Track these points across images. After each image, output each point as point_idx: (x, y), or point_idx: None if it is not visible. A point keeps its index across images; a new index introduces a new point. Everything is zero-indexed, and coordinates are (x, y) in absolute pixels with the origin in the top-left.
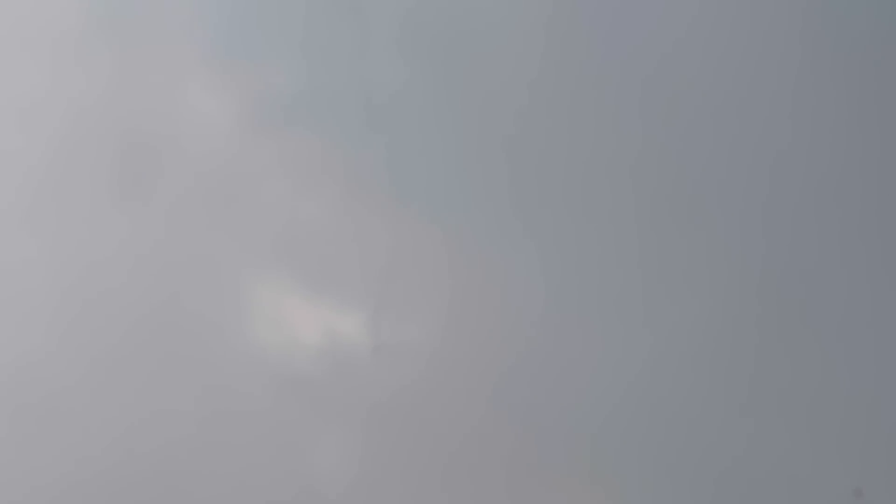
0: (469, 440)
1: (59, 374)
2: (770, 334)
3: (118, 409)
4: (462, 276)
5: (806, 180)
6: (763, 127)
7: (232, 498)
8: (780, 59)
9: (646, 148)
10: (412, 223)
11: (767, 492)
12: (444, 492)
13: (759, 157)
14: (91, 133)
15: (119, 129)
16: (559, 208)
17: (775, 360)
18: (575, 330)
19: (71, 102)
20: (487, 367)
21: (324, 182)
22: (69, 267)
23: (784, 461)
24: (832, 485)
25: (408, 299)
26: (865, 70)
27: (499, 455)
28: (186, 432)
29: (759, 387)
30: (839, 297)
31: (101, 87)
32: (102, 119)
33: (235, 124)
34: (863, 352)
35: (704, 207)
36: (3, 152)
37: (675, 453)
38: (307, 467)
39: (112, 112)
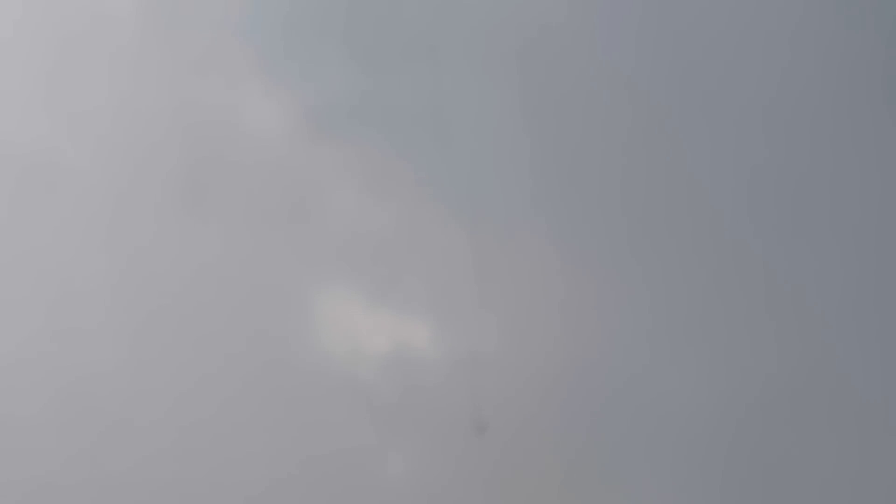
0: (536, 451)
1: (124, 385)
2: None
3: (181, 417)
4: (531, 286)
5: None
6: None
7: None
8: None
9: (731, 159)
10: (479, 232)
11: None
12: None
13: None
14: (149, 144)
15: (177, 138)
16: (632, 223)
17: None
18: (648, 341)
19: (126, 114)
20: (556, 377)
21: (389, 190)
22: (131, 278)
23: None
24: None
25: (474, 309)
26: None
27: (564, 465)
28: (251, 442)
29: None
30: None
31: (157, 97)
32: (160, 130)
33: (297, 132)
34: None
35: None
36: (60, 165)
37: (740, 471)
38: (373, 477)
39: (170, 122)
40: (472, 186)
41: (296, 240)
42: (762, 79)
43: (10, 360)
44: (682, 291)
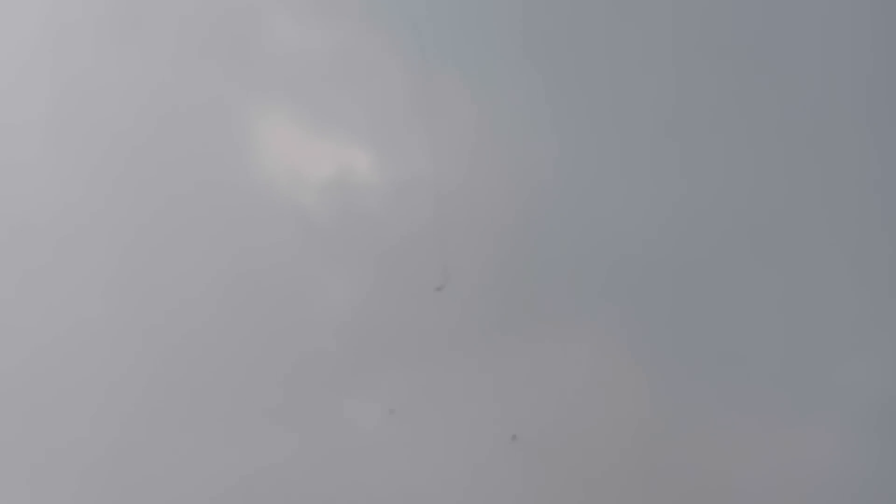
0: (477, 282)
1: (70, 200)
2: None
3: (121, 238)
4: (475, 115)
5: None
6: None
7: (234, 332)
8: None
9: None
10: (424, 58)
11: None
12: (452, 334)
13: None
14: None
15: None
16: (578, 54)
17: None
18: (588, 172)
19: None
20: (499, 208)
21: (333, 14)
22: (70, 107)
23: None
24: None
25: (418, 136)
26: None
27: (510, 299)
28: (193, 271)
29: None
30: None
31: None
32: None
33: None
34: None
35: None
36: None
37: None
38: (312, 306)
39: None
40: (418, 10)
41: (236, 66)
42: None
43: None
44: (628, 106)
